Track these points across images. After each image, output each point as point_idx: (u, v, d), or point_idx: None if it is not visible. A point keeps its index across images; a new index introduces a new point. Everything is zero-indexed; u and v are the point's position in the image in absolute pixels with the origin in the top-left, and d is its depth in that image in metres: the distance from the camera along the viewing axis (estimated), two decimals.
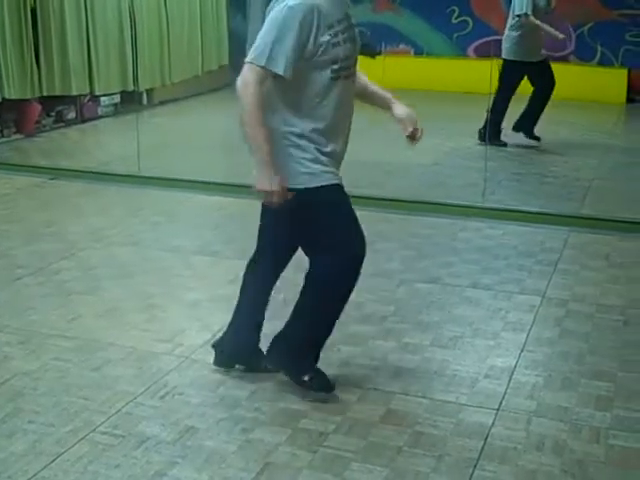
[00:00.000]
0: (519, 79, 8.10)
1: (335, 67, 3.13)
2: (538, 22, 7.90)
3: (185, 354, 3.77)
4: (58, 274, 4.80)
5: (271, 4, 3.13)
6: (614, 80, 10.93)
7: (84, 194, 6.61)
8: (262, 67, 3.03)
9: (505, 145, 8.14)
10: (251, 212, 6.05)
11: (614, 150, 8.44)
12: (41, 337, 3.96)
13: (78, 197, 6.54)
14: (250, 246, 5.27)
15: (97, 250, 5.24)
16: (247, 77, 3.05)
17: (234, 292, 4.51)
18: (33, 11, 8.72)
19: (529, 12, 7.82)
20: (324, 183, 3.23)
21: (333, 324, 3.38)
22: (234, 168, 7.26)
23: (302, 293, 3.37)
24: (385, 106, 3.50)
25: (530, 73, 8.06)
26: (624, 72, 10.94)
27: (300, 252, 3.43)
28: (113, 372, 3.61)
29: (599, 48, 11.12)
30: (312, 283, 3.32)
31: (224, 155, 7.81)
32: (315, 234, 3.29)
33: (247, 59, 3.06)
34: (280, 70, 3.04)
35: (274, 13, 3.07)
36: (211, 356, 3.73)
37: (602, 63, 11.16)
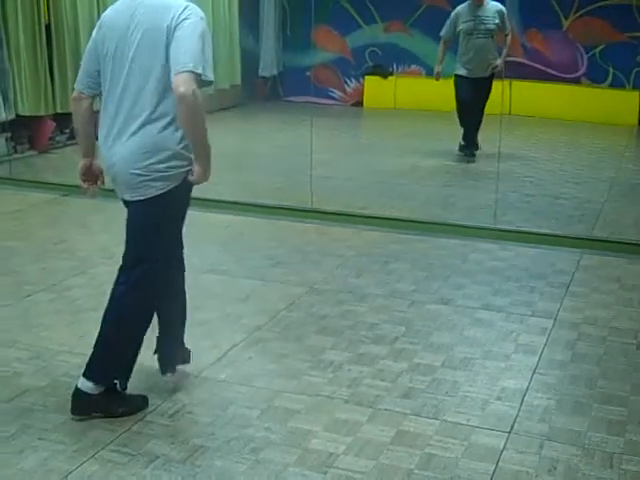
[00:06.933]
0: None
1: None
2: None
3: (194, 373, 3.75)
4: (69, 291, 4.81)
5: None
6: (626, 102, 10.94)
7: (96, 211, 6.61)
8: (200, 75, 3.11)
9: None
10: (261, 231, 6.09)
11: (626, 172, 8.42)
12: (51, 353, 3.96)
13: (90, 214, 6.55)
14: (260, 264, 5.31)
15: (108, 267, 5.22)
16: (194, 86, 3.06)
17: (244, 311, 4.54)
18: (47, 27, 8.80)
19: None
20: None
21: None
22: (244, 187, 7.30)
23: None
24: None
25: None
26: (636, 94, 10.94)
27: None
28: None
29: (611, 70, 11.13)
30: None
31: (234, 174, 7.81)
32: None
33: (187, 68, 3.06)
34: (212, 77, 3.20)
35: (193, 24, 3.13)
36: (221, 374, 3.74)
37: (614, 85, 11.16)
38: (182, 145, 3.21)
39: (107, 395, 3.35)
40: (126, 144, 3.21)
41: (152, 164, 3.19)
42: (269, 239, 5.91)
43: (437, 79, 8.72)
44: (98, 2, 9.37)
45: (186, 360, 3.68)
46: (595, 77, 11.24)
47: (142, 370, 3.71)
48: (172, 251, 3.46)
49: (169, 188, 3.23)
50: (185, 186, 3.29)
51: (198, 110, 3.09)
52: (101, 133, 3.34)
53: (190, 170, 3.24)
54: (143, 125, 3.18)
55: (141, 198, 3.25)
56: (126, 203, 3.36)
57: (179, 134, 3.19)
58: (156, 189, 3.22)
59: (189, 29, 3.12)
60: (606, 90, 11.14)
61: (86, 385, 3.31)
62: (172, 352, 3.61)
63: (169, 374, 3.59)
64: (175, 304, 3.58)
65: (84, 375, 3.34)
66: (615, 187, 7.70)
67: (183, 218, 3.43)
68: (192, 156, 3.23)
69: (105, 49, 3.27)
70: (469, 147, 8.62)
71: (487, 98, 8.45)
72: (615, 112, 10.73)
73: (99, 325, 3.27)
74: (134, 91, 3.20)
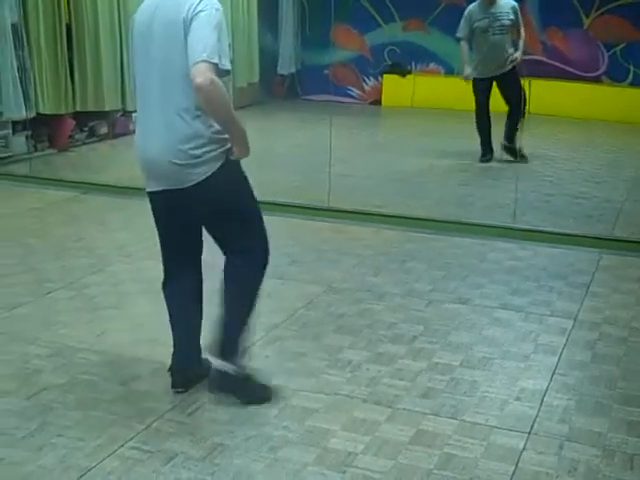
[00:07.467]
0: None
1: None
2: None
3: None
4: (87, 288, 4.83)
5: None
6: None
7: (115, 209, 6.65)
8: (217, 64, 3.14)
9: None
10: (279, 229, 6.08)
11: None
12: (70, 351, 3.98)
13: (108, 212, 6.58)
14: (278, 263, 5.29)
15: (126, 265, 5.26)
16: (211, 75, 3.09)
17: (261, 309, 4.51)
18: (68, 27, 8.84)
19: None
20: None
21: None
22: (263, 185, 7.28)
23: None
24: None
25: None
26: None
27: None
28: (142, 387, 3.61)
29: (632, 69, 11.05)
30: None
31: (252, 172, 7.82)
32: None
33: (202, 58, 3.08)
34: (229, 66, 3.24)
35: (207, 15, 3.15)
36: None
37: (634, 84, 11.08)
38: (212, 130, 3.26)
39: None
40: (159, 135, 3.27)
41: (189, 149, 3.24)
42: (287, 237, 5.91)
43: (467, 82, 8.47)
44: (119, 2, 9.42)
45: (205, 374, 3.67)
46: (616, 76, 11.17)
47: (162, 368, 3.72)
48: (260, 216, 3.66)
49: (214, 169, 3.29)
50: (231, 161, 3.35)
51: (219, 98, 3.13)
52: (137, 128, 3.43)
53: (230, 149, 3.31)
54: (173, 116, 3.23)
55: (190, 184, 3.28)
56: (172, 195, 3.36)
57: (208, 121, 3.24)
58: (199, 175, 3.27)
59: (204, 20, 3.15)
60: (626, 89, 11.06)
61: (228, 367, 3.37)
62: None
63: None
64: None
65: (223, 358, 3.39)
66: (635, 186, 7.64)
67: (250, 187, 3.55)
68: (226, 136, 3.29)
69: (134, 46, 3.36)
70: (488, 152, 8.50)
71: (519, 89, 8.30)
72: (636, 111, 10.64)
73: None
74: (160, 85, 3.25)
